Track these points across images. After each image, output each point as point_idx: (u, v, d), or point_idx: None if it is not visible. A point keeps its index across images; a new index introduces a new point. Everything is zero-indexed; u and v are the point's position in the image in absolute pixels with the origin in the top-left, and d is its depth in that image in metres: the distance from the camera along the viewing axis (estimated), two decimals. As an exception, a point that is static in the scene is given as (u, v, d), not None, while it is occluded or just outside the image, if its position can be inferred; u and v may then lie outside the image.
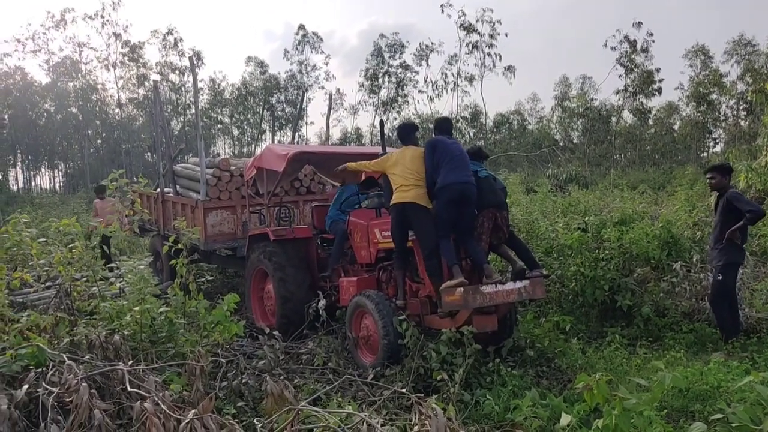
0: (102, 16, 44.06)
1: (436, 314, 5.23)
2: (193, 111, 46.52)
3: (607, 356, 5.43)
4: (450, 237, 5.14)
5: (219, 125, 51.75)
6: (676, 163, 38.21)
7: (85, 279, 5.19)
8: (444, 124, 5.69)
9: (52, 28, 44.15)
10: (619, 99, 43.46)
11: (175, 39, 46.76)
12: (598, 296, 6.39)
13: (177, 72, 47.24)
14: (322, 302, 5.82)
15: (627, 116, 45.97)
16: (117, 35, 44.85)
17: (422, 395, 3.35)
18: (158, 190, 9.24)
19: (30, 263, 5.40)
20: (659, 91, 42.02)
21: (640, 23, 40.24)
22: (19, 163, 50.54)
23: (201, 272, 8.48)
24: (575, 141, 47.92)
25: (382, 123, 6.35)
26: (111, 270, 5.44)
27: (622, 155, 47.36)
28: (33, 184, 51.61)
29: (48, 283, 5.70)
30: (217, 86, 51.09)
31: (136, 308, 4.51)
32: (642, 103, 42.98)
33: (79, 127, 46.45)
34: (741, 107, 40.28)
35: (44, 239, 5.29)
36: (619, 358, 5.38)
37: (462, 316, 4.97)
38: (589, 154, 43.50)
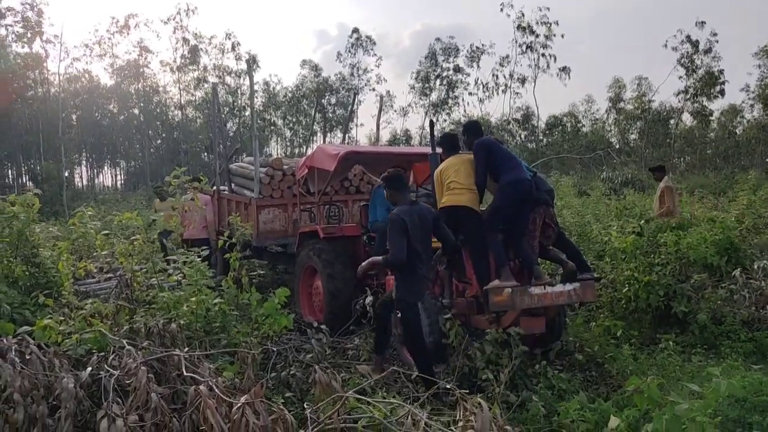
0: (176, 21, 45.76)
1: (482, 315, 5.21)
2: (248, 113, 47.77)
3: (659, 363, 5.26)
4: (499, 236, 5.11)
5: (272, 127, 52.87)
6: (739, 168, 36.47)
7: (144, 270, 5.44)
8: (477, 127, 5.66)
9: (116, 33, 46.17)
10: (679, 101, 41.87)
11: (233, 43, 48.11)
12: (652, 302, 6.21)
13: (233, 75, 48.60)
14: (369, 299, 5.90)
15: (687, 119, 44.26)
16: (186, 40, 46.48)
17: (468, 392, 3.36)
18: (214, 188, 9.56)
19: (93, 254, 5.70)
20: (722, 93, 40.20)
21: (703, 23, 38.68)
22: (84, 162, 53.09)
23: (253, 267, 8.72)
24: (632, 144, 46.45)
25: (432, 123, 6.37)
26: (169, 262, 5.68)
27: (682, 159, 45.61)
28: (96, 181, 54.15)
29: (109, 274, 6.01)
30: (271, 89, 52.28)
31: (192, 299, 4.70)
32: (703, 105, 41.23)
33: (140, 127, 48.41)
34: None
35: (107, 232, 5.57)
36: (672, 365, 5.20)
37: (509, 318, 4.94)
38: (647, 158, 42.10)
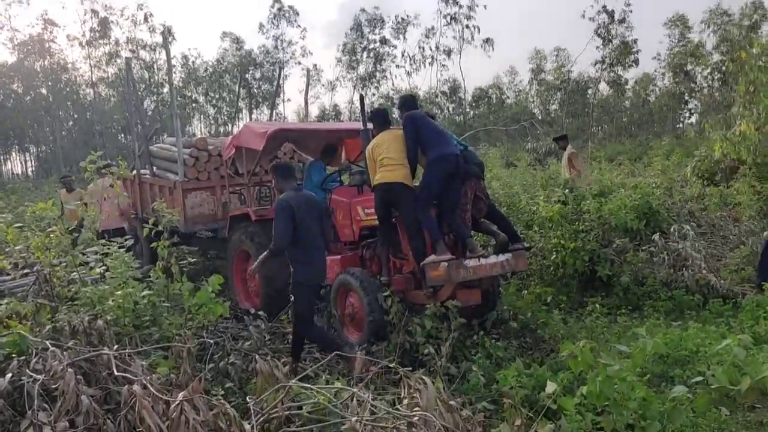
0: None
1: (420, 290, 5.27)
2: (166, 90, 45.61)
3: (588, 325, 5.56)
4: (432, 211, 5.16)
5: (194, 104, 50.80)
6: (653, 135, 38.62)
7: (64, 264, 5.11)
8: (412, 101, 5.70)
9: (14, 3, 42.58)
10: (596, 71, 43.62)
11: (145, 14, 45.54)
12: (578, 267, 6.50)
13: (148, 49, 46.11)
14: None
15: (604, 88, 46.23)
16: (95, 12, 43.50)
17: (410, 369, 3.39)
18: (134, 171, 9.08)
19: (6, 249, 5.29)
20: (636, 62, 42.25)
21: (617, -7, 40.29)
22: (-11, 148, 49.23)
23: (182, 255, 8.41)
24: (552, 115, 48.10)
25: (362, 97, 6.29)
26: (87, 255, 5.36)
27: (599, 128, 47.73)
28: (3, 169, 50.37)
29: (26, 270, 5.61)
30: (191, 63, 50.05)
31: (118, 293, 4.46)
32: (619, 75, 43.18)
33: (49, 108, 45.22)
34: (716, 77, 40.72)
35: (20, 225, 5.18)
36: (599, 326, 5.51)
37: (446, 291, 5.02)
38: (567, 128, 43.78)
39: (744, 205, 8.82)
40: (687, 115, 46.20)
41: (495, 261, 5.16)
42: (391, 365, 3.70)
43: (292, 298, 4.81)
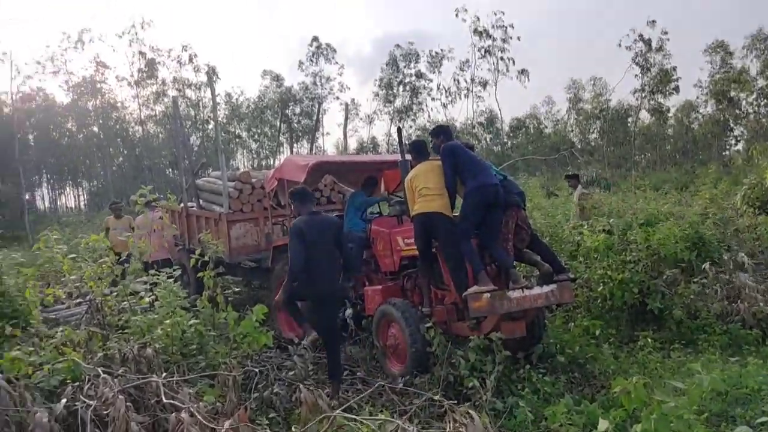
0: (130, 34, 44.79)
1: (462, 321, 5.20)
2: (211, 126, 47.15)
3: (640, 360, 5.35)
4: (473, 241, 5.12)
5: (237, 139, 52.26)
6: (698, 163, 37.63)
7: (115, 294, 5.26)
8: (447, 130, 5.72)
9: (70, 48, 44.99)
10: (636, 99, 42.98)
11: (189, 55, 47.42)
12: (627, 299, 6.30)
13: (193, 87, 47.88)
14: (349, 311, 5.83)
15: (645, 116, 45.43)
16: (142, 53, 45.62)
17: (455, 403, 3.33)
18: (182, 204, 9.35)
19: (61, 279, 5.49)
20: (677, 89, 41.41)
21: (653, 21, 39.75)
22: (45, 183, 51.54)
23: (227, 285, 8.54)
24: (592, 143, 47.45)
25: (399, 130, 6.37)
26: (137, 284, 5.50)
27: (642, 156, 46.77)
28: (59, 203, 52.62)
29: (79, 300, 5.79)
30: (234, 101, 51.70)
31: (167, 321, 4.56)
32: (659, 102, 42.41)
33: (101, 145, 47.25)
34: (762, 103, 39.59)
35: (74, 255, 5.38)
36: (652, 362, 5.29)
37: (489, 323, 4.94)
38: (609, 156, 43.05)
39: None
40: (733, 142, 44.95)
41: (539, 292, 5.05)
42: (435, 398, 3.63)
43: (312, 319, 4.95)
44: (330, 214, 8.54)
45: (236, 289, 5.90)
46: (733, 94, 40.96)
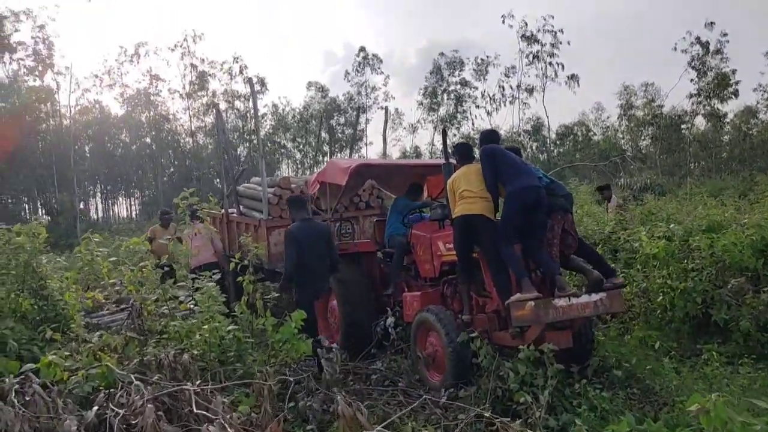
0: (183, 47, 46.24)
1: (505, 330, 4.91)
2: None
3: (705, 375, 4.92)
4: (516, 246, 4.84)
5: (282, 150, 53.04)
6: (756, 170, 35.76)
7: (155, 298, 5.21)
8: (493, 135, 5.53)
9: (126, 62, 46.73)
10: (691, 104, 41.30)
11: (240, 67, 48.49)
12: (690, 310, 5.86)
13: (242, 99, 48.90)
14: (391, 320, 5.62)
15: (700, 122, 43.62)
16: (194, 66, 46.96)
17: (507, 420, 3.06)
18: (223, 210, 9.36)
19: (101, 283, 5.49)
20: (736, 93, 39.56)
21: (712, 23, 38.17)
22: (99, 193, 53.49)
23: (267, 291, 8.46)
24: (644, 151, 45.86)
25: (444, 131, 6.14)
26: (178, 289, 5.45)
27: (696, 164, 44.89)
28: (111, 212, 54.49)
29: (123, 305, 5.79)
30: (280, 111, 52.53)
31: (205, 327, 4.45)
32: (716, 108, 40.62)
33: (153, 156, 48.77)
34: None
35: (114, 259, 5.36)
36: (719, 377, 4.86)
37: (533, 333, 4.63)
38: (661, 163, 41.45)
39: None
40: (793, 147, 42.55)
41: (587, 300, 4.71)
42: (486, 414, 3.36)
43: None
44: (372, 218, 8.49)
45: (276, 294, 5.76)
46: (796, 97, 38.87)
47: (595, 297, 4.73)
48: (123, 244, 5.23)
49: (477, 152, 5.50)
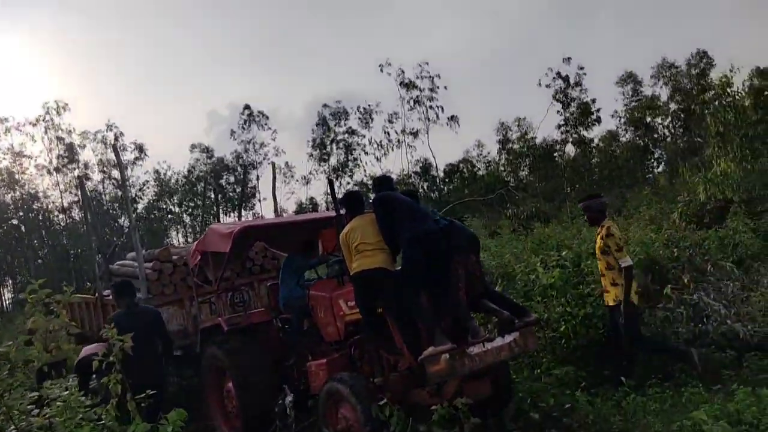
0: (45, 121, 43.08)
1: (422, 388, 4.56)
2: (141, 205, 45.48)
3: (619, 404, 4.83)
4: (422, 296, 4.56)
5: (170, 215, 50.49)
6: (625, 188, 39.05)
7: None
8: (385, 181, 5.31)
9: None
10: (561, 133, 44.73)
11: (115, 135, 46.01)
12: (593, 336, 5.85)
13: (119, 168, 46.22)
14: (289, 398, 5.05)
15: (570, 149, 47.25)
16: (60, 139, 43.82)
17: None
18: (96, 294, 8.35)
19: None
20: (598, 120, 43.49)
21: (569, 59, 41.99)
22: (-39, 286, 47.66)
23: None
24: (524, 181, 48.72)
25: (331, 182, 5.86)
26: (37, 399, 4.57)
27: (571, 188, 48.36)
28: (-21, 304, 48.53)
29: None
30: (162, 176, 50.19)
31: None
32: (582, 135, 44.29)
33: (22, 238, 44.42)
34: (677, 125, 42.01)
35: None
36: (631, 405, 4.77)
37: (451, 387, 4.35)
38: (541, 191, 44.09)
39: (746, 245, 8.38)
40: (654, 164, 47.21)
41: (502, 343, 4.53)
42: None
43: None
44: (269, 282, 7.87)
45: (150, 392, 4.97)
46: (648, 120, 43.37)
47: (509, 338, 4.58)
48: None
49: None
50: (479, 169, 52.05)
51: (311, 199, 50.30)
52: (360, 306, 4.81)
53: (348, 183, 47.52)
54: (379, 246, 4.71)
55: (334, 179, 47.27)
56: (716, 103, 10.63)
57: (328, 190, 5.66)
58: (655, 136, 44.23)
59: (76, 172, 44.70)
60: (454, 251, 4.81)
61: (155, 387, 4.87)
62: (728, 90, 10.59)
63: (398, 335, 4.66)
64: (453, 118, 44.84)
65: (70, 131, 44.04)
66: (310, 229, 6.99)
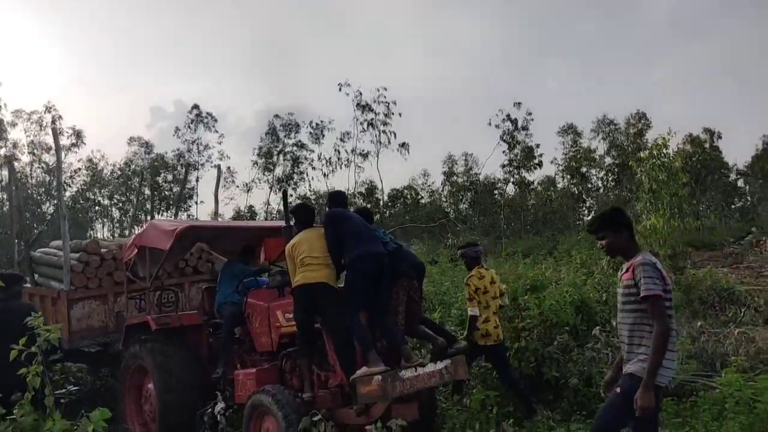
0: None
1: (349, 407, 4.51)
2: (68, 193, 43.15)
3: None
4: (362, 316, 4.56)
5: (97, 207, 48.19)
6: (556, 231, 40.68)
7: None
8: (339, 197, 5.31)
9: None
10: (504, 173, 46.26)
11: (53, 117, 43.71)
12: (524, 369, 5.98)
13: (51, 152, 43.79)
14: (220, 405, 4.86)
15: (510, 188, 48.91)
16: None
17: None
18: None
19: None
20: (540, 164, 45.29)
21: (519, 104, 43.69)
22: None
23: (67, 375, 7.11)
24: (464, 213, 49.90)
25: (285, 192, 5.75)
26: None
27: (507, 225, 49.95)
28: None
29: None
30: (95, 166, 47.97)
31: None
32: (524, 176, 45.97)
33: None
34: (610, 179, 44.29)
35: None
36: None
37: (379, 409, 4.29)
38: (479, 225, 45.26)
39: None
40: (585, 212, 49.51)
41: (433, 370, 4.56)
42: None
43: None
44: (201, 284, 7.61)
45: (72, 388, 4.70)
46: (584, 170, 45.56)
47: (440, 365, 4.61)
48: None
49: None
50: (422, 197, 52.87)
51: (251, 207, 49.44)
52: (297, 319, 4.75)
53: (291, 195, 46.98)
54: (324, 261, 4.69)
55: (278, 190, 46.74)
56: (651, 162, 11.22)
57: (282, 201, 5.56)
58: (589, 185, 46.45)
59: (3, 151, 42.07)
60: (399, 275, 4.87)
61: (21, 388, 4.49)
62: (664, 151, 11.24)
63: (333, 352, 4.62)
64: (404, 145, 45.34)
65: (1, 106, 41.51)
66: (254, 236, 6.86)
